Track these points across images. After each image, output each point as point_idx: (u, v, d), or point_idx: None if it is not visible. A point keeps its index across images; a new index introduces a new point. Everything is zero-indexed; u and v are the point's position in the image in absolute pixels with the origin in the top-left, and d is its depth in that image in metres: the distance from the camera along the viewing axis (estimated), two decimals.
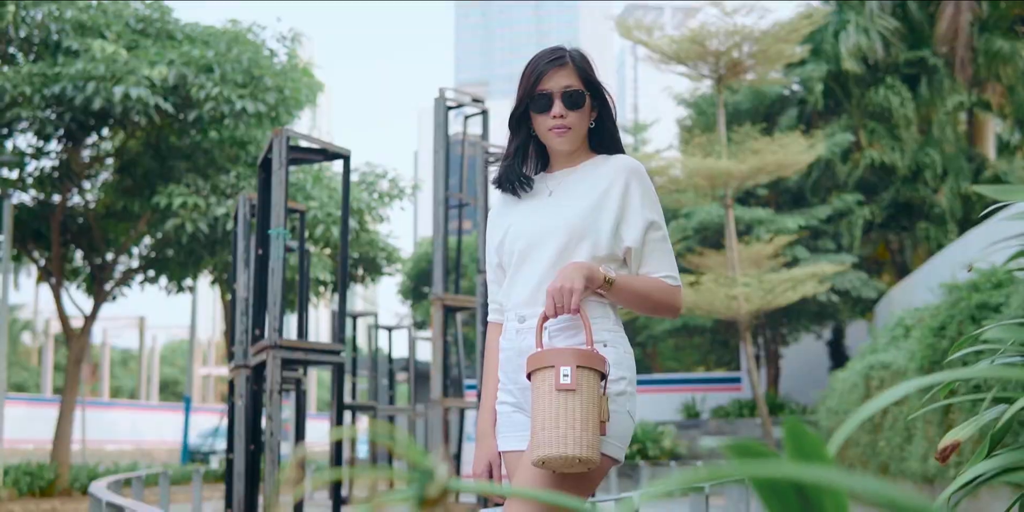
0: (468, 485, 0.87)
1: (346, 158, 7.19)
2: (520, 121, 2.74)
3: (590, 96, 2.69)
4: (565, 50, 2.73)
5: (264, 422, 6.65)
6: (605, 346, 2.55)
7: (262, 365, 6.68)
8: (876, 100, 23.49)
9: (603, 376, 2.45)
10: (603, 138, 2.76)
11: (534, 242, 2.66)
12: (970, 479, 1.60)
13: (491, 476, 2.70)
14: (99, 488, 5.59)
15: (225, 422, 21.25)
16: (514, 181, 2.77)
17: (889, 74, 23.80)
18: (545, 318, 2.51)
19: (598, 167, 2.71)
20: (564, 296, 2.44)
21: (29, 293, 59.58)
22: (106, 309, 18.12)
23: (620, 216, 2.63)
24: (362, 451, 30.94)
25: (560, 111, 2.64)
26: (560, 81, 2.66)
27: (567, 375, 2.38)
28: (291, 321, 17.39)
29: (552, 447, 2.36)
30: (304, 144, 7.09)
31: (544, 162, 2.82)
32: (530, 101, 2.68)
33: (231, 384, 9.16)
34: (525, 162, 2.79)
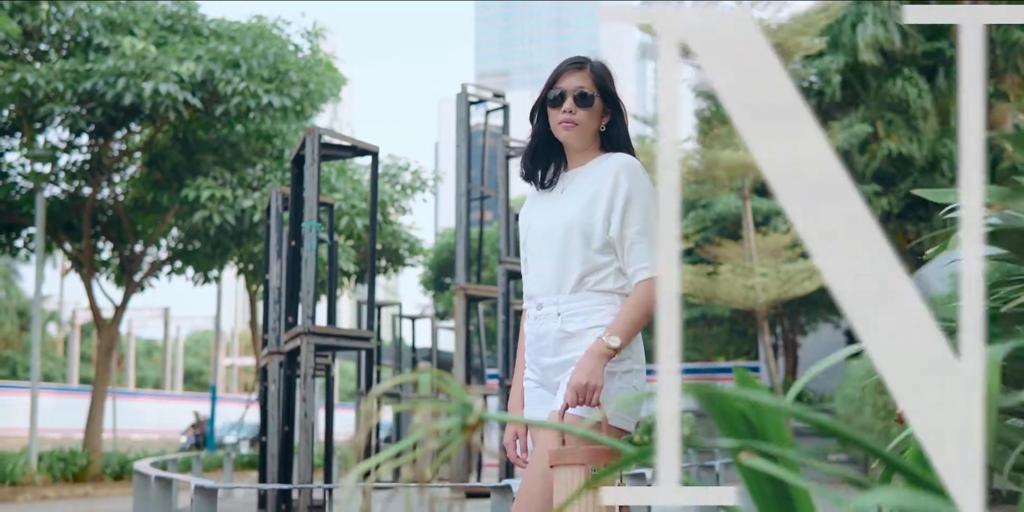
0: (499, 415, 1.15)
1: (374, 154, 7.51)
2: (540, 116, 3.07)
3: (602, 100, 3.01)
4: (588, 59, 3.08)
5: (298, 405, 6.98)
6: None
7: (295, 351, 7.01)
8: (893, 91, 23.60)
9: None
10: (614, 141, 3.06)
11: (543, 238, 3.01)
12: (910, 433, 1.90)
13: (517, 444, 3.02)
14: (144, 466, 5.92)
15: (249, 412, 21.56)
16: (529, 171, 3.12)
17: (907, 65, 23.90)
18: (566, 407, 2.74)
19: (598, 165, 3.02)
20: (588, 393, 2.71)
21: (54, 284, 60.17)
22: (131, 300, 18.45)
23: (610, 209, 2.91)
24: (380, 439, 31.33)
25: (570, 107, 2.97)
26: (575, 82, 2.99)
27: None
28: (319, 310, 17.67)
29: None
30: (333, 141, 7.40)
31: (567, 163, 3.14)
32: (547, 96, 3.01)
33: (264, 370, 9.50)
34: (540, 155, 3.11)
